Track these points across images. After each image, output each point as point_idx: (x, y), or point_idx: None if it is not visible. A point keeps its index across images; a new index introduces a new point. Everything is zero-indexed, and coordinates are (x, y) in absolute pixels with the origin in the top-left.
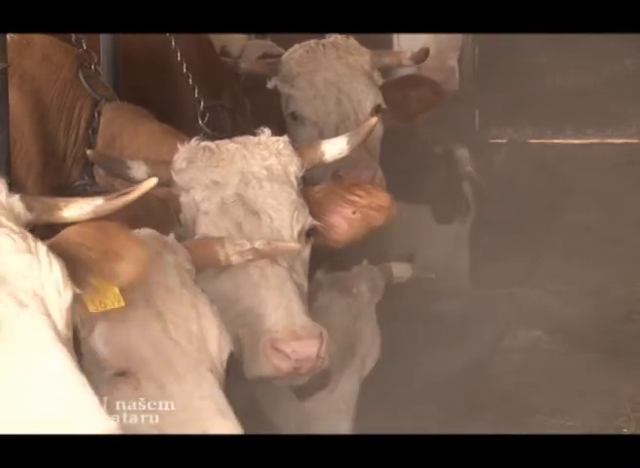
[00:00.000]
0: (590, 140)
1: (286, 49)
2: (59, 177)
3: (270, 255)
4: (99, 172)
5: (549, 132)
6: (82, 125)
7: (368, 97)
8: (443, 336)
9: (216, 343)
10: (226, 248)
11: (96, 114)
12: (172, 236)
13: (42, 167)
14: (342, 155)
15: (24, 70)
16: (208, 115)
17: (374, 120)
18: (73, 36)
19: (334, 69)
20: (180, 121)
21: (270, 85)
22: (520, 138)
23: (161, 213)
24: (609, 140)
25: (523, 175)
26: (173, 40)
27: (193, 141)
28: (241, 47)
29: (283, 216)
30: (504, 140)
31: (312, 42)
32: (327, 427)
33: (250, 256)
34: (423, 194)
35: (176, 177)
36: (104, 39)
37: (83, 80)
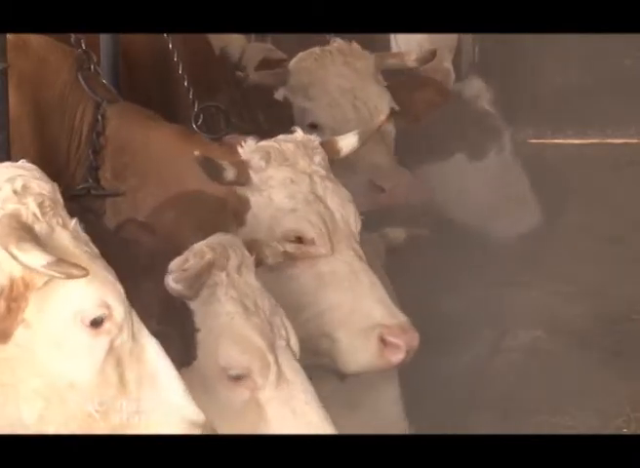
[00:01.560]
0: (590, 140)
1: (286, 52)
2: (61, 181)
3: (298, 258)
4: (105, 175)
5: (549, 132)
6: (85, 128)
7: (384, 102)
8: (442, 336)
9: (297, 347)
10: (263, 249)
11: (99, 117)
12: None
13: (42, 170)
14: (352, 151)
15: (21, 72)
16: (202, 117)
17: (382, 117)
18: (72, 36)
19: (345, 76)
20: (179, 122)
21: (278, 95)
22: (520, 138)
23: (216, 212)
24: (609, 140)
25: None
26: (170, 41)
27: (250, 141)
28: (241, 48)
29: (349, 213)
30: None
31: (317, 49)
32: (378, 396)
33: (280, 259)
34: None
35: (254, 176)
36: (104, 39)
37: (83, 82)
